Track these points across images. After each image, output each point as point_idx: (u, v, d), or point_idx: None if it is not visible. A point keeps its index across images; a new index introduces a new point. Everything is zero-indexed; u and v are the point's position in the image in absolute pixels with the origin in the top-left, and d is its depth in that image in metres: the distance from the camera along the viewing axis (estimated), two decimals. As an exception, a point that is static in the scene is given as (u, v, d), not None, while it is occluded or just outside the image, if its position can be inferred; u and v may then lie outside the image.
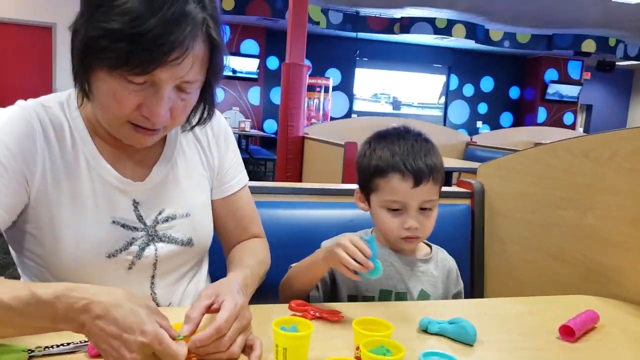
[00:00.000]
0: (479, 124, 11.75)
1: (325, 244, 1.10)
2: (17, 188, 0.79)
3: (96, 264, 0.85)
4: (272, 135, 8.47)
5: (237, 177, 1.05)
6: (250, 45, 9.72)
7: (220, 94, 9.36)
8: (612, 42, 10.20)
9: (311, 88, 8.88)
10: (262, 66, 9.88)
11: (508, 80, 11.87)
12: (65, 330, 0.65)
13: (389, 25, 9.70)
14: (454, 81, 11.61)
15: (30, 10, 7.68)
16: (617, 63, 11.21)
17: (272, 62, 10.10)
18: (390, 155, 1.03)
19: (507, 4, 8.02)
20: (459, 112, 11.73)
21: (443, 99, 11.71)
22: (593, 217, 1.19)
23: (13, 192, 0.79)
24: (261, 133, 9.03)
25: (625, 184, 1.11)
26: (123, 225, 0.88)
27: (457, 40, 9.87)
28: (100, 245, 0.85)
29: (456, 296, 1.14)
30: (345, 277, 0.93)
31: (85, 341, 0.70)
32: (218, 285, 0.79)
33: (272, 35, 9.66)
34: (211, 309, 0.73)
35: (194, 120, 0.90)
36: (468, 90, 11.71)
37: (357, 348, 0.72)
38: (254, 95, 9.94)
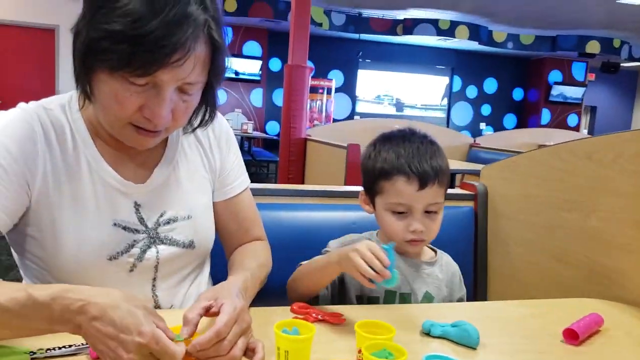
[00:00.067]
0: (483, 125, 11.72)
1: (333, 243, 1.09)
2: (18, 191, 0.79)
3: (97, 267, 0.85)
4: (275, 137, 8.46)
5: (239, 179, 1.05)
6: (252, 46, 9.73)
7: (222, 95, 9.38)
8: (616, 43, 10.15)
9: (314, 90, 8.89)
10: (265, 68, 9.89)
11: (512, 81, 11.84)
12: (62, 332, 0.65)
13: (391, 27, 9.70)
14: (457, 83, 11.59)
15: (33, 12, 7.70)
16: (621, 64, 11.16)
17: (275, 64, 10.10)
18: (395, 158, 1.02)
19: (510, 5, 8.00)
20: (462, 113, 11.71)
21: (446, 101, 11.69)
22: (597, 219, 1.19)
23: (14, 194, 0.79)
24: (264, 135, 9.02)
25: (629, 186, 1.10)
26: (124, 228, 0.88)
27: (460, 42, 9.86)
28: (102, 248, 0.85)
29: (459, 301, 1.13)
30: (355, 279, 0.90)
31: (87, 344, 0.70)
32: (218, 288, 0.79)
33: (275, 37, 9.66)
34: (210, 313, 0.73)
35: (196, 122, 0.90)
36: (471, 91, 11.70)
37: (360, 351, 0.71)
38: (256, 97, 9.95)
